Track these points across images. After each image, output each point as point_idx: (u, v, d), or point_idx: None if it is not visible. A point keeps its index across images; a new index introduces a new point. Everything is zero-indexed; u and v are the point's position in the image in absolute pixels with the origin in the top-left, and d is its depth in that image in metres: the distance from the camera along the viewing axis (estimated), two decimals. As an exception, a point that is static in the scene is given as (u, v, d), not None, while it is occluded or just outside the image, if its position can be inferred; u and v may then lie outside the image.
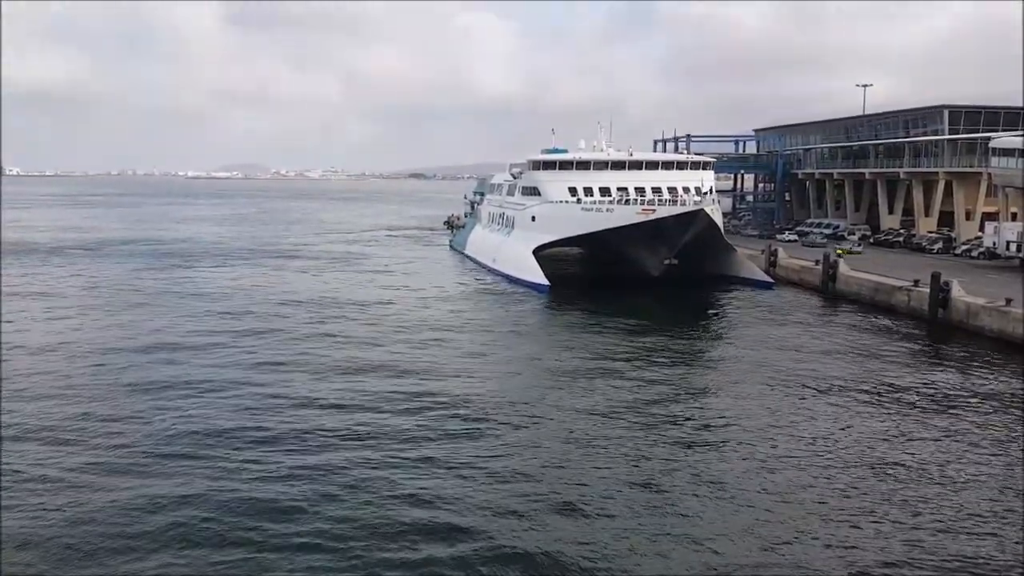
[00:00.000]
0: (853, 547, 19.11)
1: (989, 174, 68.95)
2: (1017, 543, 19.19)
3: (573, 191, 65.54)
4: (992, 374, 35.38)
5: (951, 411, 29.85)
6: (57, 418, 27.59)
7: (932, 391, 32.64)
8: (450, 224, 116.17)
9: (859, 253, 69.13)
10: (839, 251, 67.38)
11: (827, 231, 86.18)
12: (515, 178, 76.33)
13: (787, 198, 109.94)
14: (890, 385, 33.37)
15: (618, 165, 67.68)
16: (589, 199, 64.39)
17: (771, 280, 61.95)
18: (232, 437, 25.92)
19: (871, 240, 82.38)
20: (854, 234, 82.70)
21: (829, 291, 56.79)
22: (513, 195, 75.09)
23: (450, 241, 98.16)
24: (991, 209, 72.96)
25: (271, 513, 20.39)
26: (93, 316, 46.95)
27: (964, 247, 69.56)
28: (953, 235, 75.04)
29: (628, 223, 58.41)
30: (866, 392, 32.17)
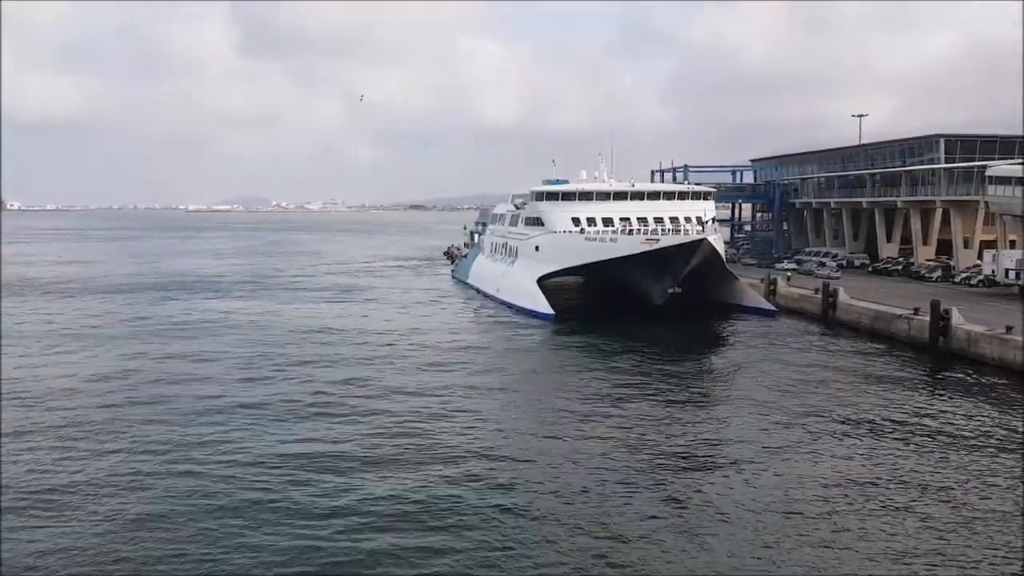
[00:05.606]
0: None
1: (986, 202, 69.75)
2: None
3: (576, 221, 66.44)
4: (994, 401, 35.88)
5: (954, 440, 30.22)
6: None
7: (935, 421, 32.93)
8: (450, 255, 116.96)
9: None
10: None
11: (825, 260, 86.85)
12: (518, 208, 77.21)
13: (785, 227, 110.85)
14: (893, 415, 33.76)
15: (620, 195, 68.77)
16: (592, 229, 65.24)
17: (774, 308, 62.45)
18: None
19: (870, 268, 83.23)
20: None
21: (829, 319, 57.32)
22: (516, 225, 75.98)
23: (452, 271, 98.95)
24: (989, 237, 73.71)
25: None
26: (126, 351, 47.56)
27: (963, 275, 70.11)
28: (952, 263, 75.78)
29: (632, 253, 59.19)
30: (869, 423, 32.39)
